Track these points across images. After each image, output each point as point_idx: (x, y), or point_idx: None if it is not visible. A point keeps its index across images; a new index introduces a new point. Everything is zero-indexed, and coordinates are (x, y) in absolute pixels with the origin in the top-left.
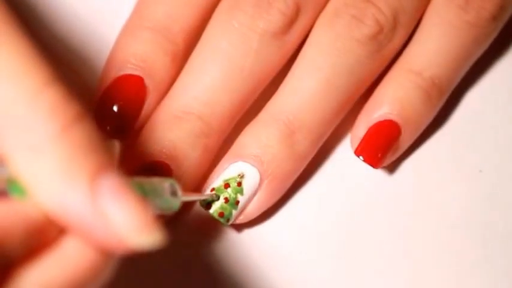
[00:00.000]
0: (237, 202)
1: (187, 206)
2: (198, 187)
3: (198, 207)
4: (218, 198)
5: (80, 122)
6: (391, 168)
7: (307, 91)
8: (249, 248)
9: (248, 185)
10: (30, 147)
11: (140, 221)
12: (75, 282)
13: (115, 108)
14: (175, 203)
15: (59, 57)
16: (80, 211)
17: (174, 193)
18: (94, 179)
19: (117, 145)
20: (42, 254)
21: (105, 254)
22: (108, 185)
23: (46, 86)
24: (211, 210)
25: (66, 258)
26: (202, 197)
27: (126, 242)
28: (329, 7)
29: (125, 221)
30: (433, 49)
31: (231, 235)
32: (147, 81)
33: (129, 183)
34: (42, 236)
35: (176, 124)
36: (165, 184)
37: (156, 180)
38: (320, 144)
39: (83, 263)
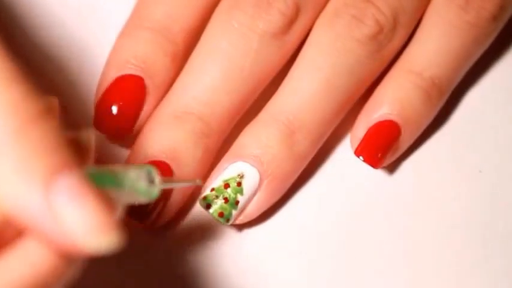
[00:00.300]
0: (237, 202)
1: (187, 206)
2: (198, 187)
3: (198, 207)
4: (200, 183)
5: (40, 120)
6: (391, 168)
7: (307, 91)
8: (249, 248)
9: (248, 185)
10: None
11: (97, 222)
12: (35, 285)
13: (115, 109)
14: (153, 191)
15: (58, 58)
16: (35, 212)
17: (151, 180)
18: (50, 179)
19: (92, 137)
20: (0, 255)
21: (66, 256)
22: (64, 184)
23: (7, 83)
24: (211, 210)
25: (25, 261)
26: (185, 183)
27: (81, 245)
28: (329, 7)
29: (80, 222)
30: (433, 49)
31: (231, 235)
32: (147, 82)
33: (100, 173)
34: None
35: (176, 124)
36: (141, 172)
37: (131, 168)
38: (320, 144)
39: (43, 265)
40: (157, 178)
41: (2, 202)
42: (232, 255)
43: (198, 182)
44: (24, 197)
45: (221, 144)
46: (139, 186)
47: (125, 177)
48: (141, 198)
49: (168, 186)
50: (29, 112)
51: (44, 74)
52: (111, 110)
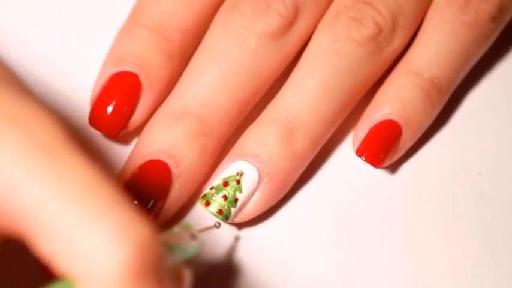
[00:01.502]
0: (236, 200)
1: (186, 205)
2: (198, 188)
3: (197, 206)
4: (219, 225)
5: (147, 249)
6: (392, 169)
7: (307, 92)
8: (248, 249)
9: (247, 183)
10: (91, 274)
11: None
12: None
13: (110, 105)
14: (196, 247)
15: (56, 56)
16: None
17: (193, 236)
18: None
19: (187, 273)
20: None
21: None
22: None
23: (109, 207)
24: (210, 208)
25: None
26: (210, 228)
27: None
28: (330, 10)
29: None
30: (433, 50)
31: (231, 236)
32: (142, 79)
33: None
34: None
35: (174, 123)
36: (185, 233)
37: (177, 232)
38: (320, 144)
39: None
40: (196, 233)
41: None
42: (231, 256)
43: (218, 225)
44: None
45: (223, 146)
46: (187, 246)
47: (175, 243)
48: (188, 257)
49: (202, 233)
50: (137, 238)
51: (42, 72)
52: (106, 107)
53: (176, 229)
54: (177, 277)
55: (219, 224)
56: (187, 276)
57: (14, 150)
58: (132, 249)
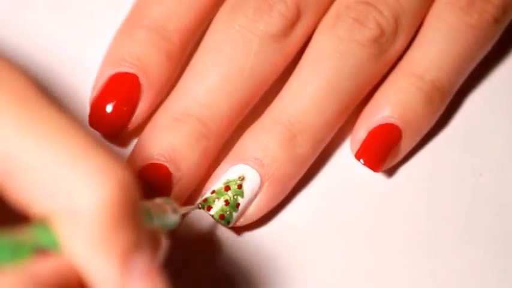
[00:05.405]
0: (238, 205)
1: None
2: (198, 189)
3: (199, 210)
4: (202, 207)
5: (123, 192)
6: (391, 171)
7: (308, 94)
8: (248, 251)
9: (248, 188)
10: (70, 212)
11: None
12: None
13: (109, 106)
14: (175, 221)
15: (55, 57)
16: (107, 283)
17: (174, 210)
18: (127, 256)
19: (164, 237)
20: None
21: None
22: (139, 265)
23: (89, 149)
24: (211, 212)
25: None
26: (192, 208)
27: None
28: (331, 10)
29: None
30: (434, 52)
31: (231, 238)
32: (142, 79)
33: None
34: None
35: (175, 126)
36: (167, 206)
37: (159, 203)
38: (321, 147)
39: None
40: (178, 208)
41: (76, 263)
42: (231, 258)
43: (200, 206)
44: (100, 266)
45: (221, 146)
46: (168, 217)
47: (156, 211)
48: (168, 227)
49: (184, 211)
50: (113, 182)
51: (41, 73)
52: (105, 108)
53: (158, 200)
54: (154, 240)
55: (201, 205)
56: (164, 242)
57: None
58: (112, 188)
